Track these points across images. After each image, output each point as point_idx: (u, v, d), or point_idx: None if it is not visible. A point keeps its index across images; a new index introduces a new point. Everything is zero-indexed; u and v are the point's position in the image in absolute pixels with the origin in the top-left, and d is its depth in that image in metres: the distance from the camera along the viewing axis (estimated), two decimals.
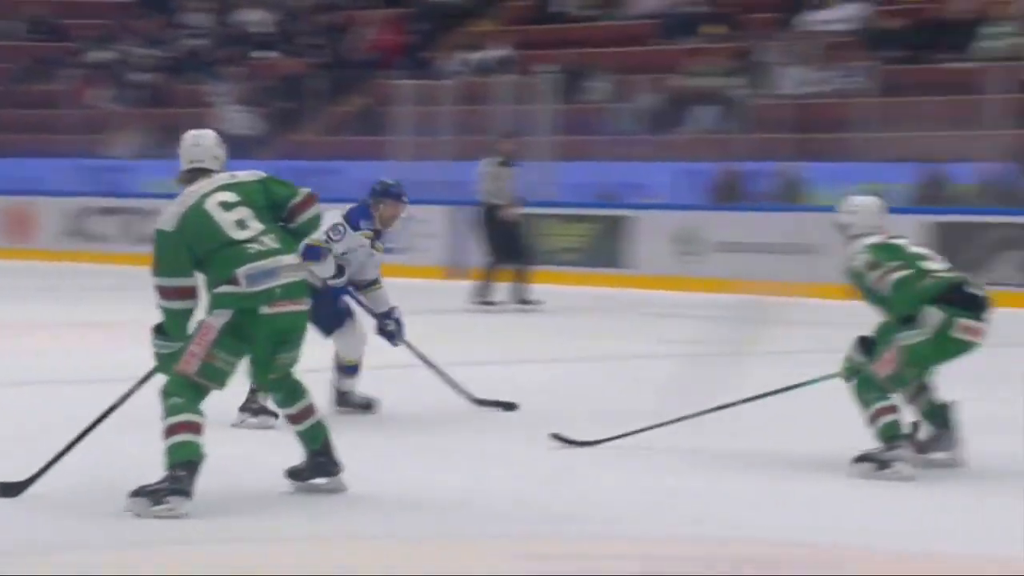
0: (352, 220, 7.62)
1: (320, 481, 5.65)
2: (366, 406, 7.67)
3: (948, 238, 14.88)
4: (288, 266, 5.36)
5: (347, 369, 7.64)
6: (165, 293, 5.38)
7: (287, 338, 5.41)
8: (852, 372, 6.34)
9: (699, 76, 18.45)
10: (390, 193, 7.74)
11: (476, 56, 20.37)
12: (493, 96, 18.70)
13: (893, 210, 14.82)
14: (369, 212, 7.70)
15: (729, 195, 17.13)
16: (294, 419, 5.62)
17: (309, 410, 5.60)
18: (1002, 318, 12.92)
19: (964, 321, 6.13)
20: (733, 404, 6.70)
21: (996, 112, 15.96)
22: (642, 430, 6.64)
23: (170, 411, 5.21)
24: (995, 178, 15.68)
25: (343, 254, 7.49)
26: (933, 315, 6.11)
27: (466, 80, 19.64)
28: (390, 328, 7.69)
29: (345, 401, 7.66)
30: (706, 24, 19.39)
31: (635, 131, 17.98)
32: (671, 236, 15.96)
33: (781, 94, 17.82)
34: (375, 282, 7.75)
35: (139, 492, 5.16)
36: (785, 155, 16.89)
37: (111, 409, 5.63)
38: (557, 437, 6.76)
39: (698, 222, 16.15)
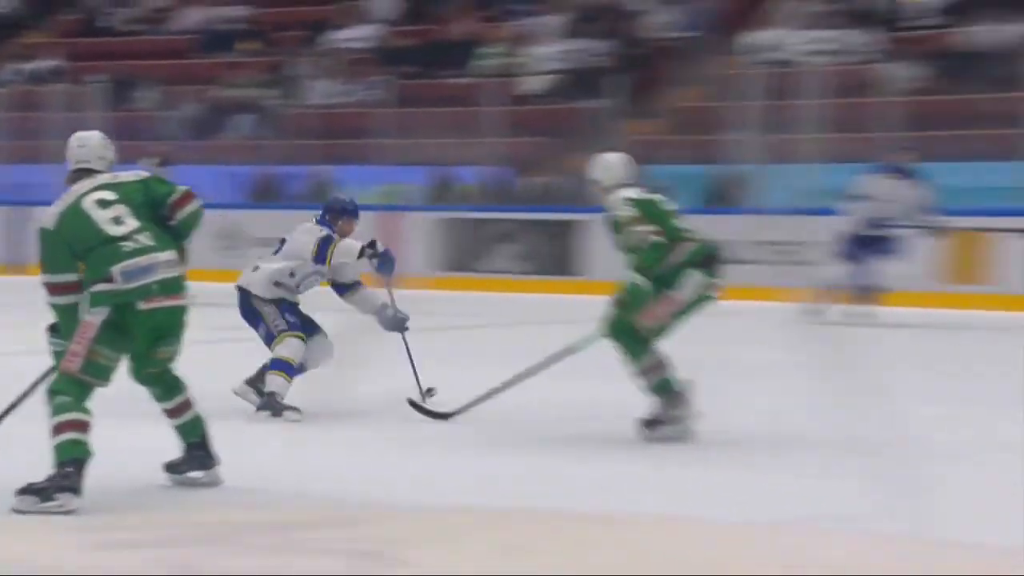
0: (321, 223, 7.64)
1: (197, 474, 5.60)
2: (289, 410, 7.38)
3: (455, 232, 16.64)
4: (164, 263, 5.32)
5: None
6: (51, 289, 5.38)
7: (165, 333, 5.39)
8: (615, 328, 6.66)
9: (236, 87, 19.27)
10: (347, 211, 7.71)
11: (28, 66, 20.58)
12: (46, 104, 19.02)
13: (408, 208, 16.84)
14: (330, 226, 7.62)
15: (265, 195, 18.13)
16: (171, 413, 5.58)
17: (186, 404, 5.58)
18: (501, 302, 14.94)
19: (716, 282, 6.76)
20: (519, 379, 7.10)
21: (492, 122, 17.45)
22: (476, 402, 7.11)
23: (57, 410, 5.18)
24: (493, 180, 17.28)
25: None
26: (695, 276, 6.68)
27: (19, 88, 19.86)
28: (398, 316, 7.74)
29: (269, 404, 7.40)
30: (242, 40, 20.22)
31: (181, 137, 18.50)
32: (214, 233, 16.28)
33: (310, 104, 18.91)
34: (357, 283, 7.80)
35: (26, 490, 5.10)
36: (315, 159, 17.98)
37: (11, 407, 5.67)
38: (413, 404, 7.29)
39: (239, 220, 16.85)
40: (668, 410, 6.71)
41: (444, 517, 5.24)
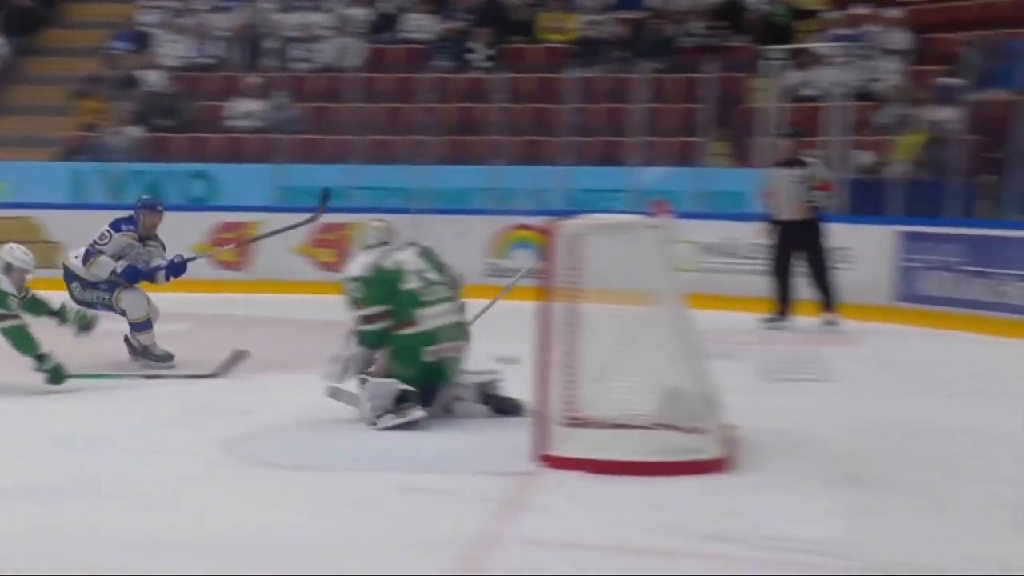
0: (115, 226, 8.87)
1: None
2: (166, 358, 8.64)
3: None
4: None
5: (138, 326, 8.68)
6: None
7: None
8: None
9: None
10: (146, 205, 9.06)
11: None
12: None
13: None
14: (133, 220, 8.95)
15: None
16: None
17: None
18: None
19: None
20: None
21: None
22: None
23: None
24: None
25: (120, 253, 8.73)
26: None
27: None
28: (176, 262, 8.89)
29: (147, 354, 8.66)
30: None
31: None
32: None
33: None
34: (158, 266, 8.90)
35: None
36: None
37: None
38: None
39: None
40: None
41: None
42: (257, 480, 5.76)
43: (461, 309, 7.02)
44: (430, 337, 6.81)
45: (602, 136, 14.24)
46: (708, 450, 5.83)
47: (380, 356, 6.86)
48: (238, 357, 8.41)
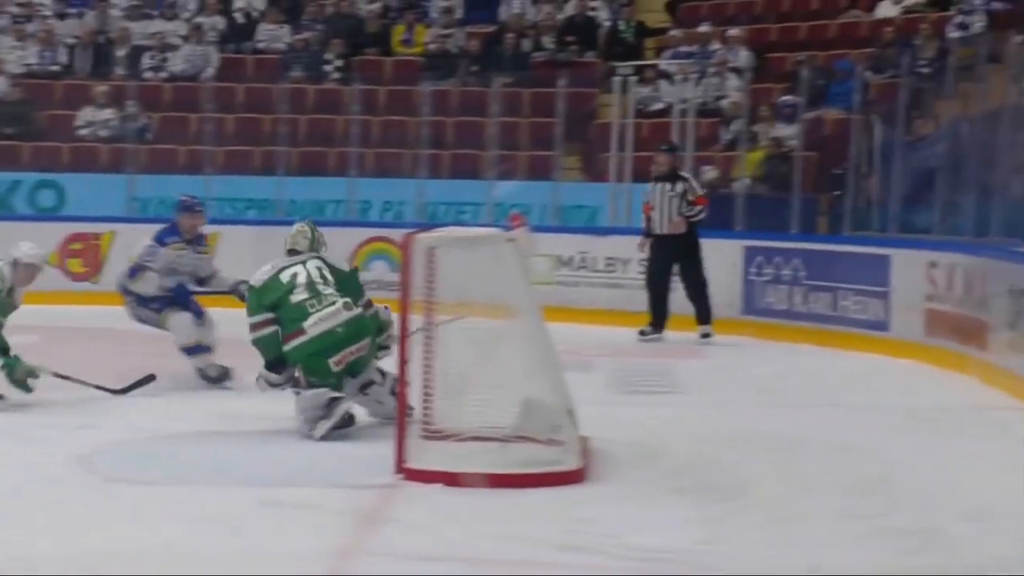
0: (159, 239, 8.30)
1: None
2: (221, 376, 8.17)
3: None
4: None
5: (188, 350, 8.18)
6: None
7: None
8: None
9: None
10: (183, 207, 8.48)
11: None
12: None
13: None
14: (176, 228, 8.38)
15: None
16: None
17: None
18: None
19: None
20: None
21: None
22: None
23: None
24: None
25: (171, 267, 8.24)
26: None
27: None
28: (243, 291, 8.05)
29: (202, 374, 8.18)
30: None
31: None
32: None
33: None
34: (213, 274, 8.48)
35: None
36: None
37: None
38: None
39: None
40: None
41: None
42: (110, 495, 5.64)
43: (351, 306, 6.86)
44: (325, 345, 6.75)
45: (456, 149, 14.26)
46: (565, 462, 5.86)
47: (299, 374, 6.82)
48: (147, 379, 8.03)
